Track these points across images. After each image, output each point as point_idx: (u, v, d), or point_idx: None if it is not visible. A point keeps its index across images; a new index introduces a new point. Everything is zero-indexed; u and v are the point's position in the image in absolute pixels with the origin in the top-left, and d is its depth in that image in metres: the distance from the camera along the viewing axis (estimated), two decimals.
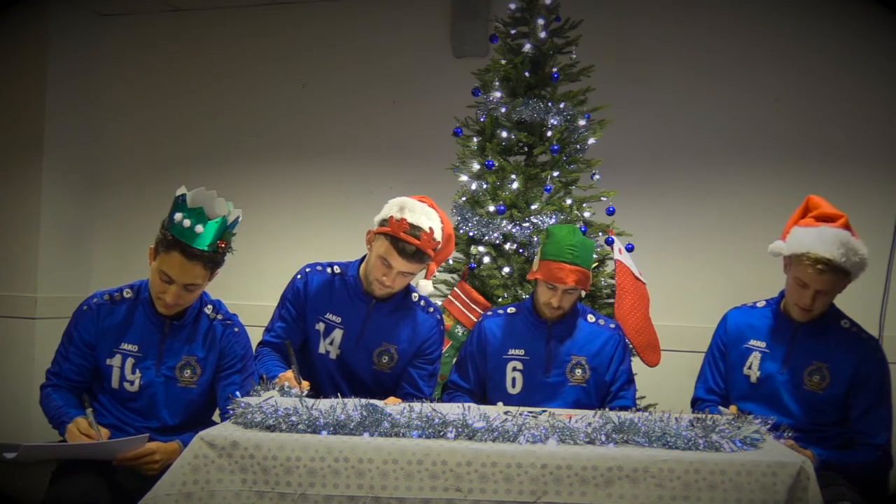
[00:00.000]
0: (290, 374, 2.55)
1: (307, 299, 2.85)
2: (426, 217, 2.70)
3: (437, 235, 2.69)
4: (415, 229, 2.66)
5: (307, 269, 2.90)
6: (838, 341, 2.66)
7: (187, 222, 2.42)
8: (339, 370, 2.85)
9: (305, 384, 2.52)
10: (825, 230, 2.58)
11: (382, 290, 2.75)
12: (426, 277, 2.83)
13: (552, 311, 2.83)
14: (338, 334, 2.83)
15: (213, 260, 2.47)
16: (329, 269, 2.89)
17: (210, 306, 2.66)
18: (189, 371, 2.58)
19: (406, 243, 2.65)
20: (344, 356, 2.84)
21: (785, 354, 2.69)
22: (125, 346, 2.55)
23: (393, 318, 2.84)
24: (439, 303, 3.47)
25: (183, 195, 2.46)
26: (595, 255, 3.51)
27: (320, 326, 2.84)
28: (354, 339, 2.83)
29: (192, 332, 2.60)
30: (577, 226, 3.42)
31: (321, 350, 2.84)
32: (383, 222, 2.71)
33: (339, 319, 2.83)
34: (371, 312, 2.83)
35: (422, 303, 2.90)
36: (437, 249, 2.73)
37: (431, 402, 2.53)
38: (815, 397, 2.63)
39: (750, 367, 2.73)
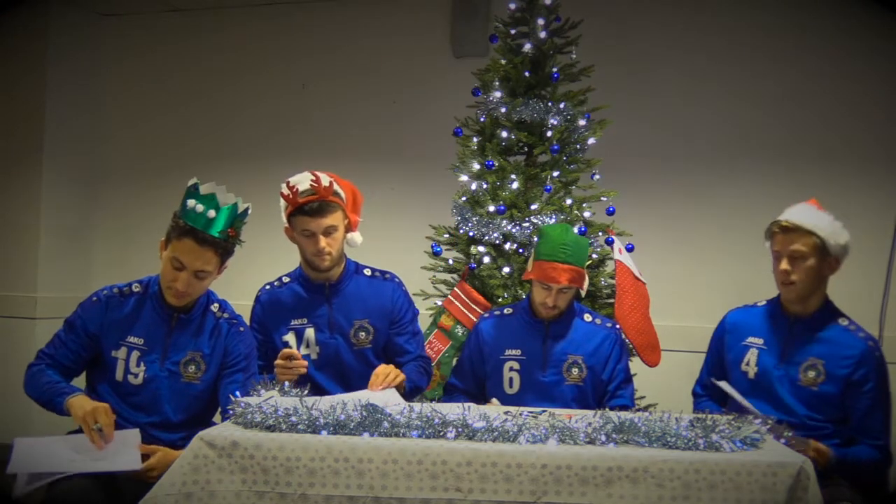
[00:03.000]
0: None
1: (266, 320, 2.90)
2: (306, 177, 2.77)
3: (325, 181, 2.75)
4: (305, 190, 2.74)
5: (259, 293, 2.97)
6: (836, 339, 2.67)
7: (200, 207, 2.47)
8: (322, 369, 2.86)
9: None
10: (792, 206, 2.76)
11: (324, 259, 2.79)
12: (352, 229, 2.89)
13: (548, 310, 2.84)
14: (310, 333, 2.86)
15: (224, 247, 2.52)
16: (277, 283, 2.96)
17: (216, 305, 2.68)
18: (193, 367, 2.59)
19: (307, 203, 2.73)
20: (324, 351, 2.86)
21: (781, 349, 2.70)
22: (131, 339, 2.57)
23: (353, 295, 2.89)
24: (439, 303, 3.48)
25: (195, 184, 2.52)
26: (595, 255, 3.52)
27: (290, 337, 2.87)
28: (327, 328, 2.86)
29: (199, 327, 2.62)
30: (578, 226, 3.43)
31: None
32: (286, 211, 2.80)
33: (304, 320, 2.87)
34: (330, 298, 2.87)
35: (376, 274, 2.97)
36: (337, 194, 2.79)
37: (431, 401, 2.53)
38: (809, 393, 2.64)
39: (748, 364, 2.74)
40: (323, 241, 2.76)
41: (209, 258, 2.50)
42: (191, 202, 2.48)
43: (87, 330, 2.58)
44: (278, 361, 2.65)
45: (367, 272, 2.96)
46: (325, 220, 2.75)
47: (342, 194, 2.83)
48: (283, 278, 2.96)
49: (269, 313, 2.90)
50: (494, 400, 2.77)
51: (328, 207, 2.75)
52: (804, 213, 2.69)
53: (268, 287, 2.96)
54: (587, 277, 2.98)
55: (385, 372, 2.62)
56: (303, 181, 2.75)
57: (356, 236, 2.91)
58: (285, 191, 2.76)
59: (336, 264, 2.86)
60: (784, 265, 2.67)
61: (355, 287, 2.91)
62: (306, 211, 2.74)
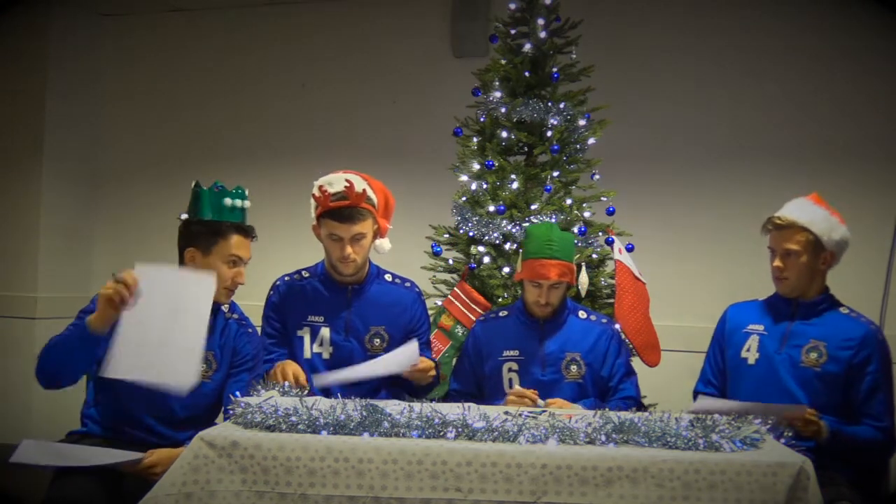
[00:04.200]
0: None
1: (285, 309, 2.89)
2: (340, 179, 2.75)
3: (359, 187, 2.73)
4: (337, 193, 2.72)
5: (278, 283, 2.96)
6: (838, 324, 2.69)
7: (239, 202, 2.57)
8: (332, 369, 2.84)
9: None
10: (790, 201, 2.78)
11: (348, 266, 2.78)
12: (381, 236, 2.87)
13: (541, 308, 2.84)
14: (325, 332, 2.85)
15: (254, 236, 2.64)
16: (297, 276, 2.95)
17: (226, 305, 2.68)
18: (204, 365, 2.57)
19: (338, 209, 2.72)
20: (337, 353, 2.85)
21: (783, 334, 2.72)
22: None
23: (374, 300, 2.89)
24: (439, 303, 3.48)
25: (216, 184, 2.58)
26: (595, 255, 3.52)
27: (304, 332, 2.86)
28: (342, 330, 2.85)
29: (210, 327, 2.60)
30: (578, 226, 3.44)
31: (306, 355, 2.85)
32: (315, 211, 2.80)
33: (321, 318, 2.86)
34: (350, 300, 2.87)
35: (396, 280, 2.96)
36: (370, 201, 2.76)
37: (431, 401, 2.54)
38: (812, 374, 2.64)
39: (748, 350, 2.75)
40: (349, 249, 2.74)
41: (249, 245, 2.61)
42: (227, 201, 2.55)
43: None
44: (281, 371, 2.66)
45: (388, 277, 2.95)
46: (354, 226, 2.73)
47: (374, 200, 2.80)
48: (303, 272, 2.94)
49: (287, 303, 2.89)
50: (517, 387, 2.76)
51: (359, 214, 2.73)
52: (799, 210, 2.71)
53: (287, 278, 2.95)
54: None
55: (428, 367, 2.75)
56: (335, 182, 2.73)
57: (384, 243, 2.89)
58: (316, 192, 2.75)
59: (359, 270, 2.85)
60: (777, 262, 2.70)
61: (376, 292, 2.90)
62: (336, 216, 2.72)
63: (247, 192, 2.62)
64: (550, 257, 2.79)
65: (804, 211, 2.70)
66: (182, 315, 2.31)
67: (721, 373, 2.85)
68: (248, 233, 2.60)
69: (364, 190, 2.73)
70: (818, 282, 2.73)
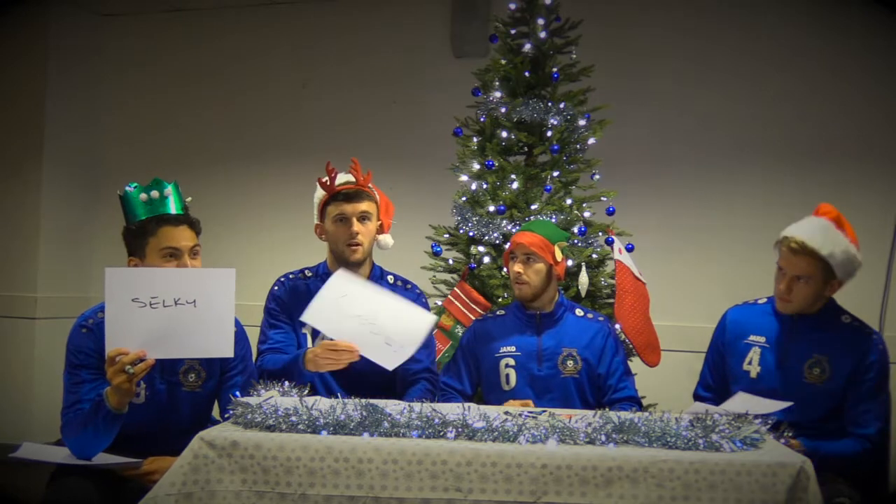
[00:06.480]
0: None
1: (291, 305, 2.87)
2: (345, 174, 2.83)
3: (364, 172, 2.80)
4: (342, 175, 2.80)
5: (281, 279, 2.95)
6: (839, 335, 2.66)
7: (155, 193, 2.46)
8: (334, 369, 2.84)
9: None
10: (810, 219, 2.66)
11: (356, 250, 2.78)
12: (384, 231, 2.90)
13: (520, 287, 2.85)
14: None
15: (192, 221, 2.49)
16: (301, 275, 2.94)
17: None
18: (193, 375, 2.54)
19: (345, 191, 2.78)
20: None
21: (784, 348, 2.70)
22: None
23: None
24: (439, 303, 3.48)
25: (130, 185, 2.50)
26: (595, 255, 3.52)
27: (306, 331, 2.86)
28: None
29: None
30: (578, 226, 3.45)
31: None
32: (319, 203, 2.84)
33: None
34: None
35: (398, 283, 2.96)
36: (371, 187, 2.83)
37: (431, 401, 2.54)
38: (815, 390, 2.63)
39: (750, 363, 2.73)
40: (356, 226, 2.77)
41: (191, 235, 2.47)
42: (143, 196, 2.46)
43: (90, 361, 2.43)
44: (323, 352, 2.60)
45: (390, 279, 2.95)
46: (360, 205, 2.78)
47: (376, 195, 2.88)
48: (307, 272, 2.94)
49: (293, 301, 2.87)
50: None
51: (364, 194, 2.80)
52: (821, 237, 2.57)
53: (291, 276, 2.94)
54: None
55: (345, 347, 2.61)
56: (341, 176, 2.81)
57: (387, 238, 2.92)
58: (324, 178, 2.80)
59: (364, 260, 2.84)
60: (783, 284, 2.63)
61: None
62: (342, 196, 2.77)
63: (163, 181, 2.49)
64: (524, 230, 2.89)
65: (826, 240, 2.56)
66: (205, 304, 2.26)
67: (721, 377, 2.83)
68: (178, 221, 2.45)
69: (370, 174, 2.81)
70: (822, 302, 2.68)
